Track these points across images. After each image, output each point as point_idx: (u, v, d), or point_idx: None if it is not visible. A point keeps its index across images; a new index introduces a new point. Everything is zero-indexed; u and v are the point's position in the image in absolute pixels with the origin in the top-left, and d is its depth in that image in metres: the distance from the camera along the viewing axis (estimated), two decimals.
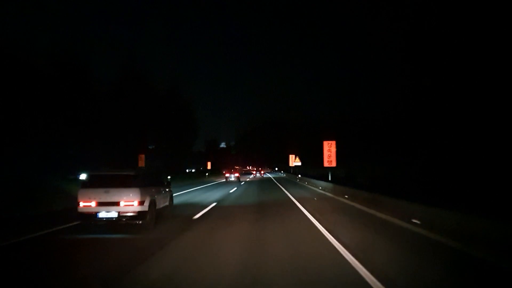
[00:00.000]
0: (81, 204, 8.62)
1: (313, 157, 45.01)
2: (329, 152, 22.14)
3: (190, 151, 63.32)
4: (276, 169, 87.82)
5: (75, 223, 9.21)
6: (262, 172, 74.47)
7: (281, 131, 71.72)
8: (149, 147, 50.73)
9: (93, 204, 8.58)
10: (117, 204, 8.58)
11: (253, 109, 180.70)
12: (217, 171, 66.50)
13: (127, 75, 36.88)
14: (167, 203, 11.17)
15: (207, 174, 56.14)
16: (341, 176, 29.89)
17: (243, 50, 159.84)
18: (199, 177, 47.57)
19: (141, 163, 23.93)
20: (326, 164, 22.09)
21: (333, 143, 22.28)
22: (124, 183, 8.76)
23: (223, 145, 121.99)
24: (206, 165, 61.88)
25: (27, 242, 7.66)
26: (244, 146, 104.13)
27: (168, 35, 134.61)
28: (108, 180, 8.80)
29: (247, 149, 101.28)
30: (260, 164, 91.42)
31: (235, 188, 25.14)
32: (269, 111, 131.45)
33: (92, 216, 8.57)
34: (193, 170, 70.08)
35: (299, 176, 37.12)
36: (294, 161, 42.75)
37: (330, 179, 23.33)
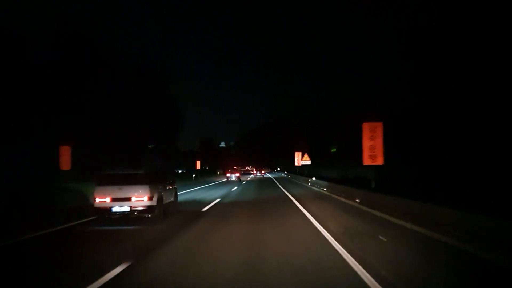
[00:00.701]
0: (97, 200, 9.79)
1: (323, 156, 44.99)
2: (372, 142, 13.22)
3: (175, 148, 55.50)
4: (278, 169, 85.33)
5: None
6: (262, 172, 74.00)
7: (284, 129, 70.97)
8: (149, 146, 50.31)
9: (107, 199, 9.75)
10: (129, 199, 9.75)
11: (253, 109, 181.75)
12: (212, 171, 64.70)
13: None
14: (172, 199, 12.38)
15: (193, 176, 46.96)
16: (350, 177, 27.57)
17: (243, 49, 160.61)
18: (184, 180, 39.02)
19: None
20: (367, 162, 13.27)
21: (379, 126, 13.42)
22: (135, 180, 9.95)
23: (222, 144, 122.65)
24: (195, 165, 51.07)
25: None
26: (244, 146, 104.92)
27: (167, 34, 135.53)
28: (121, 178, 9.99)
29: (246, 149, 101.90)
30: (260, 164, 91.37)
31: (230, 190, 25.95)
32: (270, 110, 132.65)
33: (107, 210, 9.74)
34: (180, 171, 63.68)
35: (313, 179, 27.64)
36: (302, 159, 37.22)
37: (373, 186, 14.92)
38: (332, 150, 47.50)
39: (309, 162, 36.74)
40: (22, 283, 5.03)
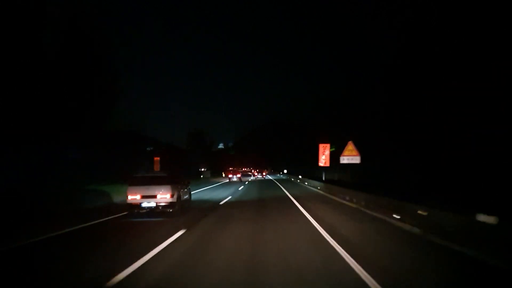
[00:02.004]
0: (129, 197, 12.17)
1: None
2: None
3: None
4: (285, 171, 72.03)
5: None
6: (264, 173, 72.68)
7: (288, 128, 71.00)
8: (147, 148, 50.80)
9: (138, 197, 12.13)
10: (155, 196, 12.15)
11: (252, 110, 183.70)
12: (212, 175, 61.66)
13: None
14: (187, 197, 14.79)
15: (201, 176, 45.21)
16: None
17: (242, 51, 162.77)
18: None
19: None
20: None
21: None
22: (159, 181, 12.35)
23: (221, 146, 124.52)
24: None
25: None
26: (243, 147, 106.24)
27: (166, 35, 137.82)
28: (148, 179, 12.42)
29: (245, 150, 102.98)
30: (260, 165, 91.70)
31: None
32: (269, 111, 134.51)
33: (137, 205, 12.12)
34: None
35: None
36: (345, 154, 21.17)
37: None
38: (331, 150, 49.01)
39: (357, 159, 21.25)
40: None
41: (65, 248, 7.89)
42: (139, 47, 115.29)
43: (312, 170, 41.11)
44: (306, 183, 35.12)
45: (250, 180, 47.63)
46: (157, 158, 27.77)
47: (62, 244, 8.35)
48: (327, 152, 30.34)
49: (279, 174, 75.44)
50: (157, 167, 26.89)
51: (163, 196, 12.27)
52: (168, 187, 12.36)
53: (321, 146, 31.44)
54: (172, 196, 12.38)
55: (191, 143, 68.82)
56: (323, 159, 30.66)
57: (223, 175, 58.95)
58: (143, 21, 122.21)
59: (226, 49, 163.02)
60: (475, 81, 17.24)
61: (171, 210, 12.41)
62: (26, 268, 6.24)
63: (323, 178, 31.27)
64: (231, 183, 40.78)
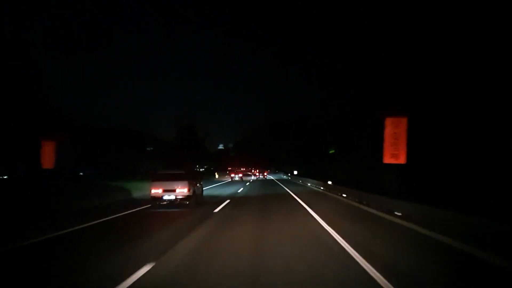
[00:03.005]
0: (153, 191, 14.33)
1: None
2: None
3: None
4: (295, 172, 64.41)
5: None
6: (265, 174, 70.82)
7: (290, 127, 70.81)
8: (147, 149, 53.34)
9: (160, 191, 14.29)
10: (174, 191, 14.31)
11: (252, 111, 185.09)
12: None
13: None
14: (200, 192, 16.90)
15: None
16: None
17: (243, 52, 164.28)
18: None
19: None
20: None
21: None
22: (178, 177, 14.51)
23: (221, 146, 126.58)
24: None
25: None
26: (243, 147, 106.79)
27: (165, 34, 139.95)
28: (168, 176, 14.56)
29: (246, 150, 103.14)
30: (261, 166, 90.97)
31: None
32: (269, 111, 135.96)
33: (159, 198, 14.28)
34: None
35: None
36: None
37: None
38: (330, 152, 50.27)
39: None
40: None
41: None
42: (139, 47, 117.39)
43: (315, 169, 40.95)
44: (309, 184, 35.74)
45: (251, 180, 49.50)
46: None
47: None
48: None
49: (282, 175, 74.93)
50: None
51: (181, 190, 14.41)
52: (186, 183, 14.50)
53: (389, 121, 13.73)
54: (189, 190, 14.53)
55: (180, 137, 57.80)
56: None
57: (216, 176, 59.97)
58: (143, 21, 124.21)
59: (226, 50, 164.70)
60: (476, 82, 16.83)
61: (187, 203, 14.55)
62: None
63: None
64: (233, 182, 43.07)
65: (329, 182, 26.46)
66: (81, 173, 33.91)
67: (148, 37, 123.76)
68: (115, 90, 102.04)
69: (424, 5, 22.71)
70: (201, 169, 65.28)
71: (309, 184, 35.46)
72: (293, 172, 48.16)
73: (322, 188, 27.56)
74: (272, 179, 55.49)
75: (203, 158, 66.68)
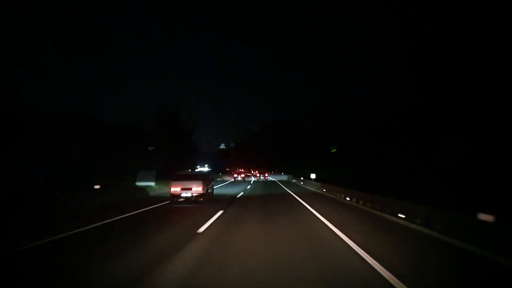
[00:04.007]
0: (172, 189, 16.76)
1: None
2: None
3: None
4: (312, 176, 60.06)
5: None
6: (266, 175, 66.29)
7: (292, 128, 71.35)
8: (149, 148, 50.79)
9: (178, 189, 16.67)
10: (190, 189, 16.65)
11: (255, 111, 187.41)
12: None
13: None
14: (211, 191, 19.25)
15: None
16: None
17: (244, 52, 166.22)
18: None
19: None
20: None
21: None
22: (194, 178, 16.94)
23: (222, 146, 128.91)
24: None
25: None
26: (244, 147, 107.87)
27: (167, 35, 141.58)
28: (186, 176, 17.01)
29: (247, 150, 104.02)
30: (262, 166, 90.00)
31: None
32: (272, 112, 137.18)
33: (178, 195, 16.70)
34: None
35: None
36: None
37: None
38: (332, 151, 49.43)
39: None
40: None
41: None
42: (139, 47, 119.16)
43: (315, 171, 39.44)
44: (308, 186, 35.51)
45: (251, 181, 49.56)
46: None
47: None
48: None
49: (285, 176, 73.09)
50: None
51: (197, 189, 16.80)
52: (200, 182, 16.91)
53: None
54: (203, 189, 16.90)
55: (159, 126, 47.90)
56: None
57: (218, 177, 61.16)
58: (143, 21, 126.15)
59: (227, 50, 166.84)
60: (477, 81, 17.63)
61: (202, 199, 16.95)
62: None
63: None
64: (235, 182, 45.75)
65: None
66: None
67: (148, 37, 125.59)
68: (115, 90, 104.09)
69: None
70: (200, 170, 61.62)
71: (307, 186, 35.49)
72: (308, 176, 37.89)
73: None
74: (274, 181, 53.33)
75: (190, 156, 56.58)
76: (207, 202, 17.24)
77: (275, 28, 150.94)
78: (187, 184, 16.92)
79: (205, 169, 72.59)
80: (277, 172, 71.14)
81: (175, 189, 16.94)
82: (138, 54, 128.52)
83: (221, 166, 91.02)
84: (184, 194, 16.84)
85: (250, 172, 76.07)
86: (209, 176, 20.02)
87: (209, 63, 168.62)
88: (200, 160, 75.49)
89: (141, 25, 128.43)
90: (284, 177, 60.39)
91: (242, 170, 75.15)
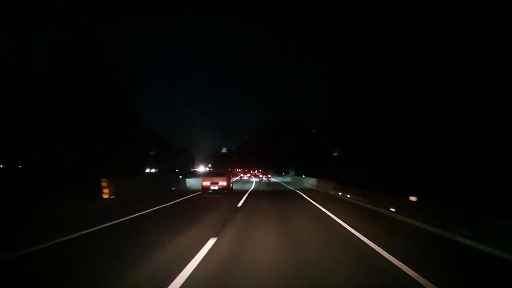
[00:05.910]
0: (203, 183, 22.11)
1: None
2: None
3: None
4: (291, 173, 64.87)
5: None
6: (269, 176, 63.95)
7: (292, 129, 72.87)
8: (151, 152, 53.48)
9: (208, 183, 21.88)
10: (217, 183, 21.81)
11: (257, 111, 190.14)
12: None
13: None
14: (232, 185, 24.39)
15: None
16: None
17: (245, 52, 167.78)
18: None
19: None
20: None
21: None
22: (220, 174, 22.18)
23: (224, 150, 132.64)
24: None
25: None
26: (246, 149, 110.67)
27: (165, 37, 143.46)
28: (213, 173, 22.27)
29: (249, 152, 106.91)
30: (264, 167, 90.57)
31: None
32: (274, 113, 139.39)
33: (208, 188, 21.99)
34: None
35: None
36: None
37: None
38: (334, 154, 49.42)
39: None
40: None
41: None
42: (140, 48, 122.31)
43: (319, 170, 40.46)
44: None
45: (253, 181, 52.08)
46: None
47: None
48: None
49: (287, 176, 70.15)
50: None
51: (222, 183, 21.93)
52: (224, 178, 22.14)
53: None
54: (227, 183, 21.96)
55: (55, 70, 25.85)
56: None
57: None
58: (143, 21, 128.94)
59: (228, 50, 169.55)
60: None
61: (226, 192, 22.07)
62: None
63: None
64: (242, 180, 51.50)
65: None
66: None
67: (148, 37, 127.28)
68: None
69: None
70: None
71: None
72: (297, 173, 39.96)
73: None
74: (277, 182, 54.50)
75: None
76: (230, 193, 22.21)
77: (275, 28, 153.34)
78: (215, 179, 22.02)
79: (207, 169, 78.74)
80: (282, 174, 72.65)
81: (206, 183, 22.05)
82: (138, 54, 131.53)
83: (223, 167, 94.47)
84: (212, 187, 21.96)
85: (254, 173, 79.34)
86: (230, 174, 25.10)
87: (208, 64, 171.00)
88: (203, 162, 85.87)
89: (140, 24, 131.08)
90: (287, 178, 61.16)
91: (238, 170, 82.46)
